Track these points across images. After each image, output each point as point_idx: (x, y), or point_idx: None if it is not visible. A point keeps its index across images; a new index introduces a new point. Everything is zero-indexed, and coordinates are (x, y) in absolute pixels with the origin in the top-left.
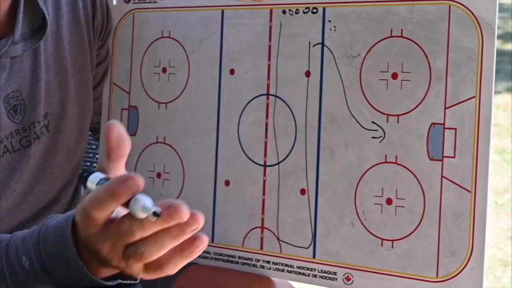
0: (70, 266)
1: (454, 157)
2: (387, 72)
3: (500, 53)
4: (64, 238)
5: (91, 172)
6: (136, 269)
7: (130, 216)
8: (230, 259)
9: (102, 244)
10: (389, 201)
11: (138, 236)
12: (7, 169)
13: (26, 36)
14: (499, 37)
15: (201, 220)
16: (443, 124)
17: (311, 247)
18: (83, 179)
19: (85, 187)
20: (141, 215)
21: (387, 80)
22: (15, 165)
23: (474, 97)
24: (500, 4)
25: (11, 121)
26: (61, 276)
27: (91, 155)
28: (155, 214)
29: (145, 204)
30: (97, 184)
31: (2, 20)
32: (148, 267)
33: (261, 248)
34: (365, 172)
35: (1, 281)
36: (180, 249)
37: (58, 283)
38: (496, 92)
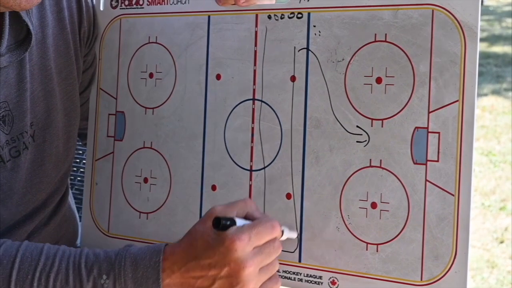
0: None
1: (437, 161)
2: (371, 76)
3: (486, 56)
4: (155, 266)
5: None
6: None
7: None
8: None
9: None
10: (373, 205)
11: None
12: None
13: (11, 48)
14: (485, 39)
15: None
16: (427, 128)
17: (297, 251)
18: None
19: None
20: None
21: (371, 84)
22: (6, 175)
23: (457, 101)
24: (486, 7)
25: (1, 131)
26: None
27: (77, 160)
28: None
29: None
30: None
31: None
32: None
33: None
34: (350, 176)
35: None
36: None
37: None
38: (482, 95)
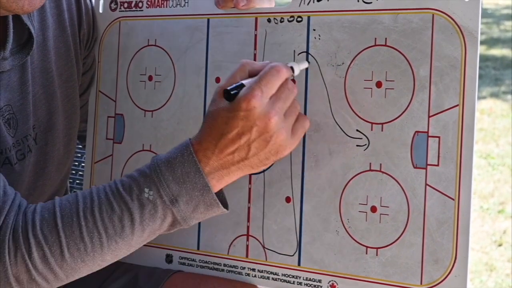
0: (196, 183)
1: (437, 165)
2: (371, 80)
3: (485, 59)
4: (189, 159)
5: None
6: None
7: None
8: (216, 266)
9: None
10: (373, 209)
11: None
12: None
13: (13, 51)
14: (483, 42)
15: None
16: (427, 132)
17: (296, 254)
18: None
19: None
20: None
21: (371, 88)
22: (13, 177)
23: (457, 105)
24: (485, 10)
25: (8, 134)
26: (185, 199)
27: (76, 163)
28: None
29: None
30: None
31: None
32: None
33: (247, 256)
34: (349, 180)
35: (124, 219)
36: None
37: (181, 210)
38: (480, 97)
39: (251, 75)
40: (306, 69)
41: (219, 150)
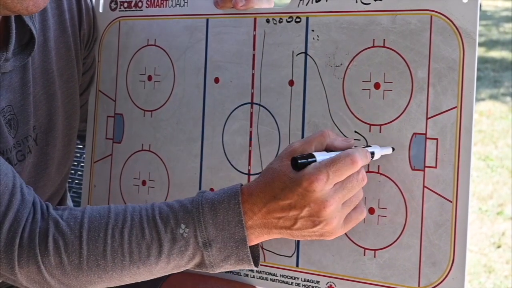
0: (234, 234)
1: (435, 167)
2: (370, 81)
3: (484, 61)
4: (235, 208)
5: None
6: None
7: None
8: None
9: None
10: (371, 211)
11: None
12: None
13: (15, 52)
14: (483, 44)
15: None
16: (425, 134)
17: (295, 256)
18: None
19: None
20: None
21: (369, 90)
22: None
23: (455, 107)
24: (484, 12)
25: (9, 134)
26: (219, 246)
27: (75, 163)
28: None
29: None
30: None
31: None
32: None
33: None
34: None
35: (152, 248)
36: None
37: (211, 255)
38: (479, 99)
39: (327, 148)
40: (305, 70)
41: (267, 211)
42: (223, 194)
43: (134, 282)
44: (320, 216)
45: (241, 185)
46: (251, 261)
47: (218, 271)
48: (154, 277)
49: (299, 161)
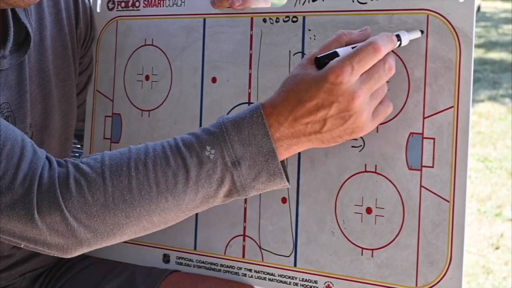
0: (262, 147)
1: (432, 166)
2: None
3: (483, 62)
4: (258, 121)
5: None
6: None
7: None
8: (213, 266)
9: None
10: (369, 210)
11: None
12: None
13: (12, 50)
14: (482, 46)
15: None
16: (422, 133)
17: (292, 255)
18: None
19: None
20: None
21: None
22: None
23: (452, 107)
24: (483, 13)
25: None
26: (248, 163)
27: None
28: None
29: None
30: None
31: None
32: None
33: (243, 256)
34: (345, 181)
35: (178, 175)
36: None
37: (242, 175)
38: (478, 101)
39: (348, 44)
40: None
41: (293, 118)
42: (244, 112)
43: (163, 223)
44: (350, 110)
45: (261, 102)
46: (283, 174)
47: (250, 194)
48: (182, 216)
49: (324, 60)
